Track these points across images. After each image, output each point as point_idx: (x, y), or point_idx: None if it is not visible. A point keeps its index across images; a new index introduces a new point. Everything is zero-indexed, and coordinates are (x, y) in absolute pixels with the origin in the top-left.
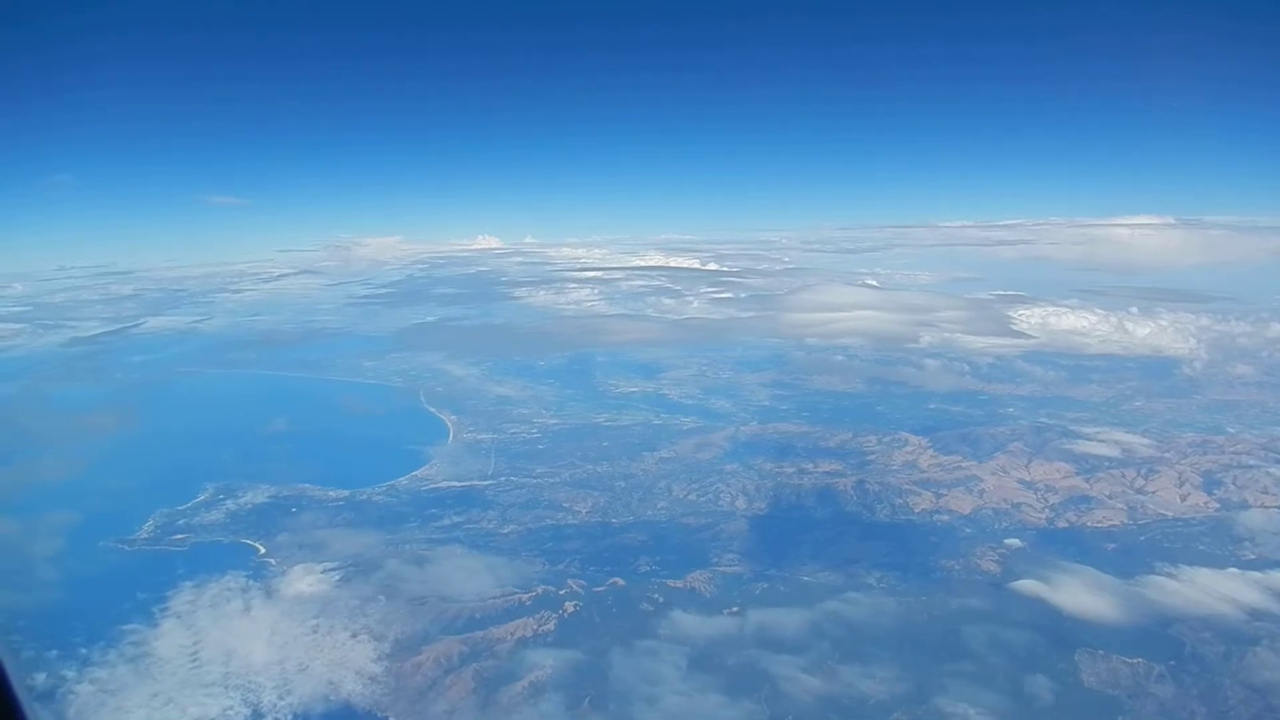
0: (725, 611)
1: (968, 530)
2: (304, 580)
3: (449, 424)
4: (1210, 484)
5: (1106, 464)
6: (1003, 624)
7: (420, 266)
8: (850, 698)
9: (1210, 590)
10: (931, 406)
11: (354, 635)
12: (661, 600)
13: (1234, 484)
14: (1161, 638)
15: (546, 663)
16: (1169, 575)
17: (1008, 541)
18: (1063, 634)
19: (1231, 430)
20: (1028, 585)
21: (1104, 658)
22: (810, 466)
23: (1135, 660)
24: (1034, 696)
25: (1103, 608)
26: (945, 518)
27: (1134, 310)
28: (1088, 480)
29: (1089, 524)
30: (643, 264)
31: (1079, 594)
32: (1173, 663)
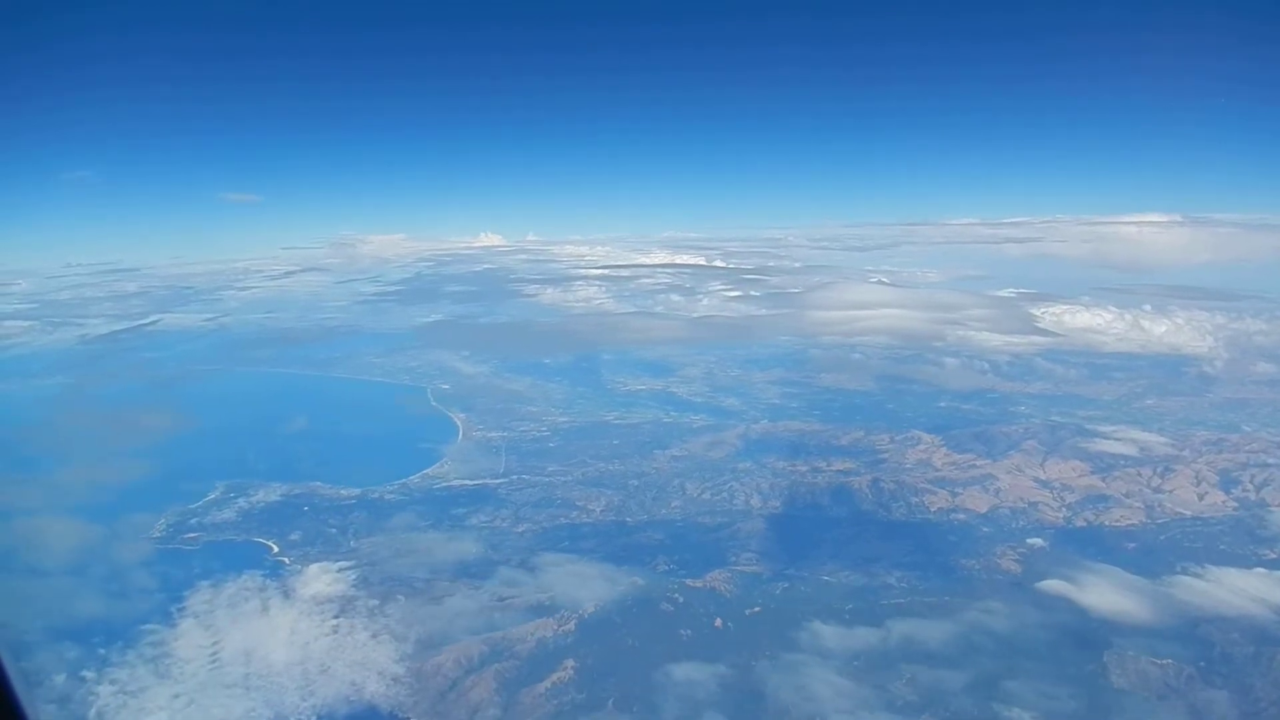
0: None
1: (985, 529)
2: (320, 579)
3: (459, 422)
4: (1227, 483)
5: (1122, 462)
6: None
7: (426, 264)
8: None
9: (1237, 590)
10: (942, 404)
11: (374, 635)
12: (682, 600)
13: (1251, 483)
14: (1191, 638)
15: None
16: (1195, 575)
17: (1030, 541)
18: (1099, 635)
19: (1247, 429)
20: (1054, 585)
21: (1133, 659)
22: (823, 465)
23: (1165, 661)
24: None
25: (1131, 608)
26: (962, 516)
27: (1148, 308)
28: (1104, 479)
29: (1107, 523)
30: (656, 261)
31: (1106, 594)
32: (1203, 664)
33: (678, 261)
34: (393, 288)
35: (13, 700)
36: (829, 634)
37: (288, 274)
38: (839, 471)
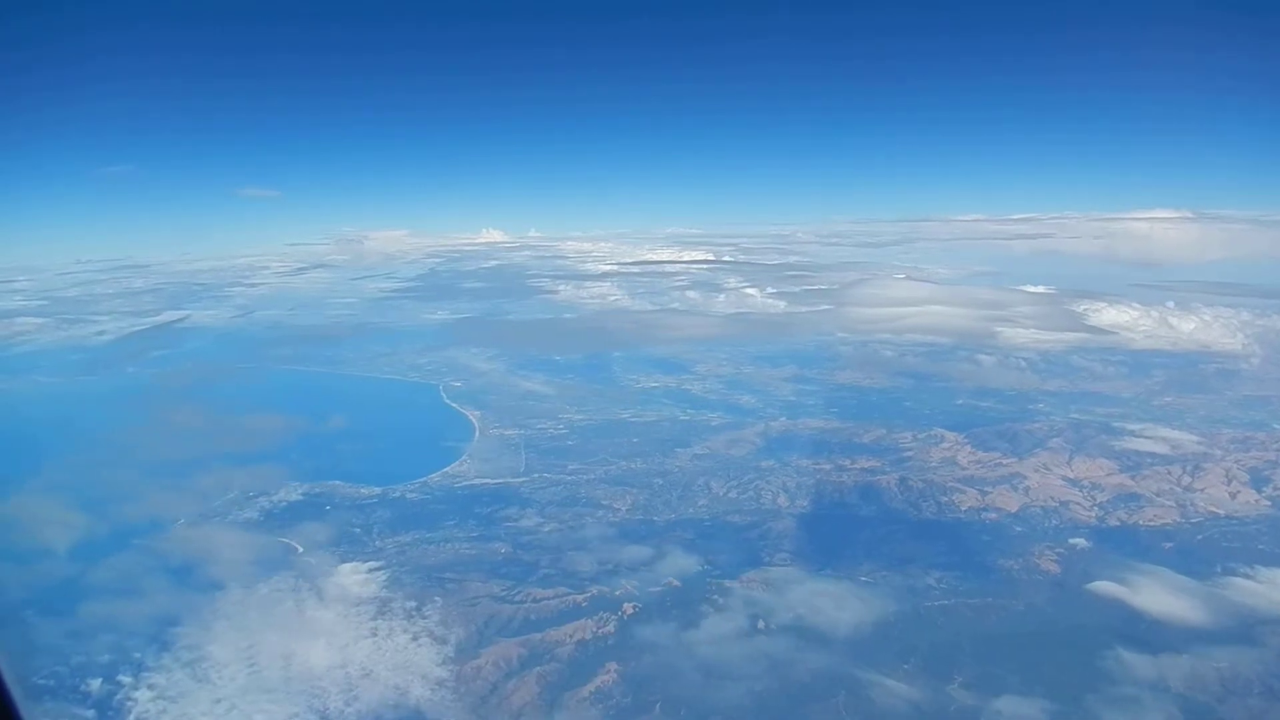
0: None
1: (1018, 529)
2: (352, 580)
3: (475, 420)
4: (1258, 481)
5: (1150, 460)
6: None
7: (438, 260)
8: None
9: None
10: (960, 402)
11: (414, 638)
12: (722, 601)
13: None
14: (1247, 640)
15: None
16: (1245, 576)
17: (1072, 540)
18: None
19: (1276, 426)
20: (1105, 587)
21: (1188, 661)
22: (848, 463)
23: (1222, 664)
24: None
25: (1185, 609)
26: (993, 515)
27: (1171, 304)
28: (1133, 477)
29: (1141, 522)
30: (664, 257)
31: (1159, 596)
32: (1259, 666)
33: (685, 258)
34: (408, 284)
35: (10, 703)
36: None
37: (298, 271)
38: (864, 470)
